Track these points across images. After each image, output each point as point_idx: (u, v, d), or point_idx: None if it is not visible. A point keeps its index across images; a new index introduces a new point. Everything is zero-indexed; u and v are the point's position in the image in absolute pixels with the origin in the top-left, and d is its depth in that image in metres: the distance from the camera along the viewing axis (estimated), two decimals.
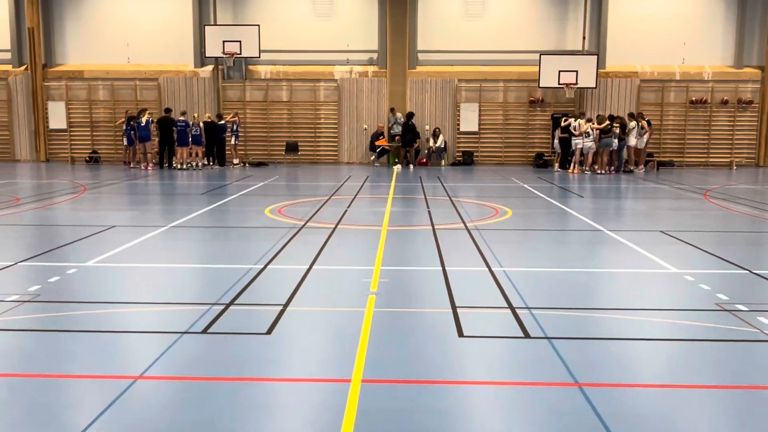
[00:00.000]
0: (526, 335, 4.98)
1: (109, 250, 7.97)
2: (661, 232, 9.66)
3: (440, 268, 7.09)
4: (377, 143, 22.94)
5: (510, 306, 5.71)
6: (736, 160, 23.30)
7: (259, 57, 22.97)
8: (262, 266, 7.12)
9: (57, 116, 24.07)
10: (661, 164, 22.51)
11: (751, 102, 23.16)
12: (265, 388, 4.05)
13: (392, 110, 23.11)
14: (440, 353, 4.63)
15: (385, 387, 4.05)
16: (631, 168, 20.97)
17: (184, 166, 20.85)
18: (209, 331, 5.00)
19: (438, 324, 5.26)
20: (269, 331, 5.00)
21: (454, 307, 5.65)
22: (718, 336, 5.05)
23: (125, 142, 21.62)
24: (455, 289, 6.25)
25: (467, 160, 23.50)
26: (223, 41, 22.61)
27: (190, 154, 21.23)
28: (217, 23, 23.31)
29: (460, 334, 5.00)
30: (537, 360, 4.50)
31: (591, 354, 4.65)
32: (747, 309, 5.66)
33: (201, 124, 21.09)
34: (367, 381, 4.09)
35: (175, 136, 20.77)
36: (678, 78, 23.32)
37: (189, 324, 5.13)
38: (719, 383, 4.20)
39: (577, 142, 20.32)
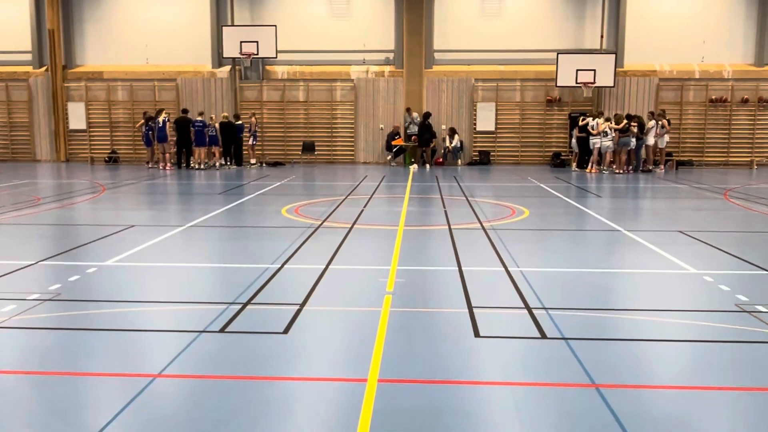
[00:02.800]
0: (543, 336, 4.97)
1: (128, 249, 8.05)
2: (680, 232, 9.58)
3: (456, 268, 7.08)
4: (394, 143, 22.94)
5: (526, 306, 5.70)
6: (757, 159, 23.02)
7: (276, 57, 23.07)
8: (279, 266, 7.16)
9: (77, 117, 24.34)
10: (680, 164, 22.30)
11: None
12: (281, 387, 4.07)
13: (408, 110, 23.10)
14: (456, 353, 4.63)
15: (401, 387, 4.06)
16: (650, 167, 20.80)
17: (202, 166, 21.00)
18: (227, 329, 5.04)
19: (454, 324, 5.26)
20: (286, 331, 5.03)
21: (470, 307, 5.64)
22: (738, 337, 5.00)
23: (145, 143, 21.84)
24: (471, 289, 6.25)
25: (484, 159, 23.43)
26: (241, 42, 22.74)
27: (208, 155, 21.39)
28: (235, 24, 23.45)
29: (477, 334, 5.00)
30: (553, 360, 4.49)
31: (608, 355, 4.63)
32: (767, 310, 5.60)
33: (217, 125, 21.22)
34: (383, 381, 4.10)
35: (193, 136, 20.94)
36: (697, 76, 23.08)
37: (207, 323, 5.17)
38: (738, 385, 4.16)
39: (595, 142, 20.19)
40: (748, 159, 23.06)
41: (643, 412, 3.73)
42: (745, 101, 22.95)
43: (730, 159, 23.24)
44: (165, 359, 4.44)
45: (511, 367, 4.45)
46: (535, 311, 5.54)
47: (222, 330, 5.03)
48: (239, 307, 5.60)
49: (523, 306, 5.71)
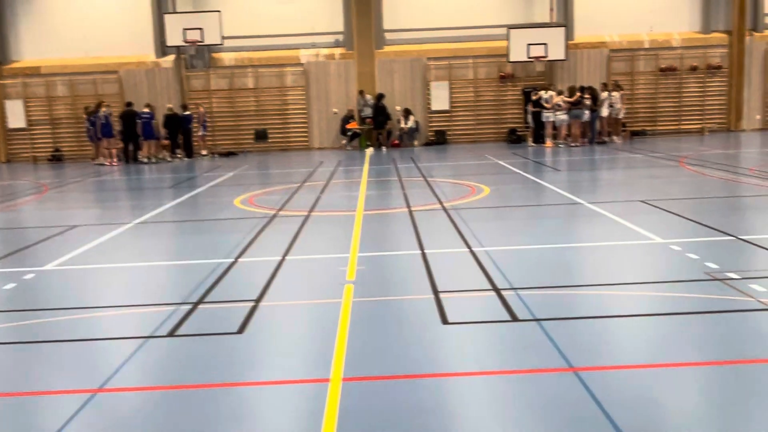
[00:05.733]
0: (514, 318, 4.72)
1: (70, 251, 7.54)
2: (642, 201, 9.47)
3: (419, 252, 6.79)
4: (348, 126, 22.53)
5: (494, 288, 5.44)
6: (708, 125, 23.29)
7: (222, 44, 22.33)
8: (233, 260, 6.77)
9: (15, 115, 23.23)
10: (634, 133, 22.42)
11: (719, 67, 23.12)
12: (236, 394, 3.72)
13: (361, 92, 22.68)
14: (424, 343, 4.34)
15: (367, 385, 3.75)
16: (605, 139, 20.85)
17: (153, 160, 20.27)
18: (176, 333, 4.65)
19: (420, 311, 4.97)
20: (241, 330, 4.67)
21: (436, 293, 5.36)
22: (713, 307, 4.83)
23: (89, 139, 20.97)
24: (436, 273, 5.97)
25: (440, 139, 23.19)
26: (184, 29, 21.91)
27: (157, 147, 20.65)
28: (177, 11, 22.60)
29: (445, 321, 4.72)
30: (528, 345, 4.24)
31: (583, 335, 4.40)
32: (738, 277, 5.46)
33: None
34: (348, 379, 3.79)
35: (140, 129, 20.17)
36: (647, 46, 23.18)
37: (154, 327, 4.77)
38: (720, 359, 3.97)
39: (548, 116, 20.11)
40: (699, 126, 23.32)
41: (625, 395, 3.50)
42: (694, 69, 23.16)
43: (682, 127, 23.46)
44: (107, 371, 4.04)
45: (483, 355, 4.18)
46: (503, 292, 5.29)
47: (171, 334, 4.64)
48: (189, 307, 5.21)
49: (491, 288, 5.46)
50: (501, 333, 4.50)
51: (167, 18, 22.17)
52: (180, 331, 4.68)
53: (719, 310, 4.75)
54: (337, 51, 23.21)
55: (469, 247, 6.95)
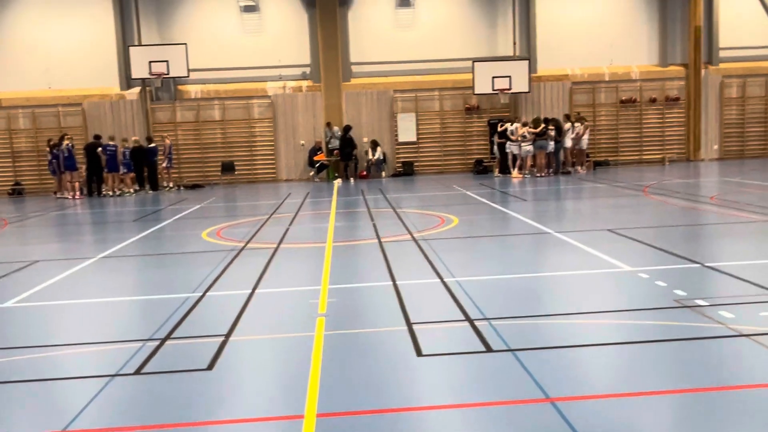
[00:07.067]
0: (488, 349, 4.68)
1: (31, 288, 7.31)
2: (609, 230, 9.59)
3: (391, 283, 6.75)
4: (316, 158, 22.52)
5: (467, 318, 5.41)
6: (668, 155, 23.86)
7: (188, 76, 22.26)
8: (201, 294, 6.63)
9: None
10: (597, 163, 22.83)
11: (677, 99, 23.80)
12: None
13: (328, 124, 22.74)
14: (399, 376, 4.27)
15: (342, 420, 3.66)
16: (569, 169, 21.18)
17: (117, 193, 19.94)
18: (143, 371, 4.51)
19: (394, 343, 4.91)
20: (210, 367, 4.55)
21: (409, 324, 5.31)
22: (685, 334, 4.87)
23: (51, 172, 20.58)
24: (408, 304, 5.92)
25: (407, 170, 23.31)
26: (150, 62, 21.81)
27: (122, 180, 20.35)
28: (142, 43, 22.50)
29: (419, 353, 4.66)
30: (503, 375, 4.20)
31: (558, 364, 4.38)
32: (707, 304, 5.52)
33: (121, 149, 20.24)
34: (322, 415, 3.70)
35: (104, 162, 19.87)
36: (607, 79, 23.76)
37: (120, 365, 4.62)
38: (695, 386, 3.98)
39: (513, 148, 20.39)
40: (660, 156, 23.87)
41: (604, 425, 3.47)
42: (653, 100, 23.79)
43: (644, 157, 23.99)
44: (71, 412, 3.88)
45: (459, 387, 4.13)
46: (476, 323, 5.26)
47: (137, 372, 4.49)
48: (157, 343, 5.06)
49: (464, 318, 5.42)
50: (476, 364, 4.46)
51: (132, 50, 22.05)
52: (147, 369, 4.54)
53: (691, 337, 4.79)
54: (304, 83, 23.30)
55: (440, 277, 6.93)
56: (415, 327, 5.22)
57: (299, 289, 6.80)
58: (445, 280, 6.78)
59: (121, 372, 4.49)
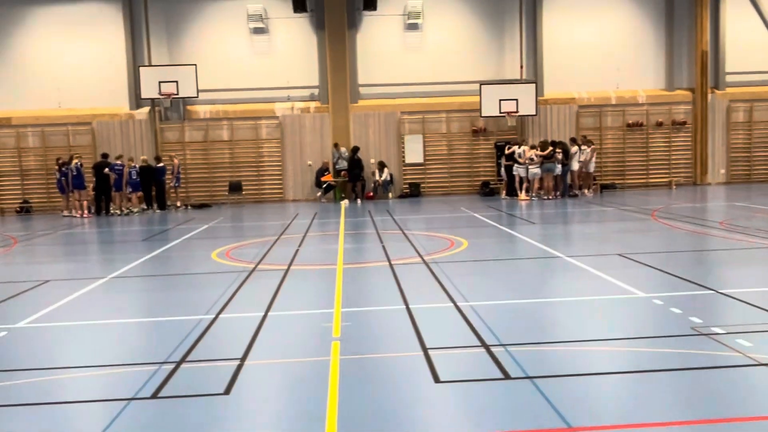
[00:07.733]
0: (506, 376, 4.66)
1: (43, 308, 7.31)
2: (619, 255, 9.57)
3: (404, 307, 6.73)
4: (323, 179, 22.59)
5: (483, 344, 5.39)
6: (675, 179, 23.87)
7: (198, 97, 22.44)
8: (213, 316, 6.62)
9: None
10: (603, 187, 22.85)
11: (684, 123, 23.86)
12: None
13: (336, 145, 22.85)
14: (419, 403, 4.25)
15: None
16: (576, 192, 21.20)
17: (125, 212, 20.01)
18: (160, 395, 4.49)
19: (411, 369, 4.88)
20: (227, 391, 4.53)
21: (425, 349, 5.29)
22: (703, 363, 4.84)
23: (59, 190, 20.69)
24: (423, 328, 5.90)
25: (414, 191, 23.36)
26: (159, 82, 21.99)
27: (129, 200, 20.44)
28: (152, 64, 22.70)
29: (437, 379, 4.64)
30: (523, 404, 4.17)
31: (579, 392, 4.35)
32: (723, 332, 5.49)
33: (129, 167, 20.33)
34: None
35: (112, 181, 19.98)
36: (614, 102, 23.86)
37: (136, 389, 4.60)
38: (715, 416, 3.95)
39: (520, 170, 20.44)
40: (667, 180, 23.88)
41: None
42: (659, 124, 23.85)
43: (650, 180, 24.00)
44: None
45: (479, 415, 4.10)
46: (493, 348, 5.24)
47: (154, 396, 4.48)
48: (172, 366, 5.05)
49: (480, 344, 5.40)
50: (495, 391, 4.43)
51: (143, 71, 22.25)
52: (164, 392, 4.52)
53: (709, 366, 4.76)
54: (312, 104, 23.44)
55: (453, 301, 6.91)
56: (431, 352, 5.20)
57: (312, 312, 6.79)
58: (459, 304, 6.77)
59: (138, 396, 4.48)
